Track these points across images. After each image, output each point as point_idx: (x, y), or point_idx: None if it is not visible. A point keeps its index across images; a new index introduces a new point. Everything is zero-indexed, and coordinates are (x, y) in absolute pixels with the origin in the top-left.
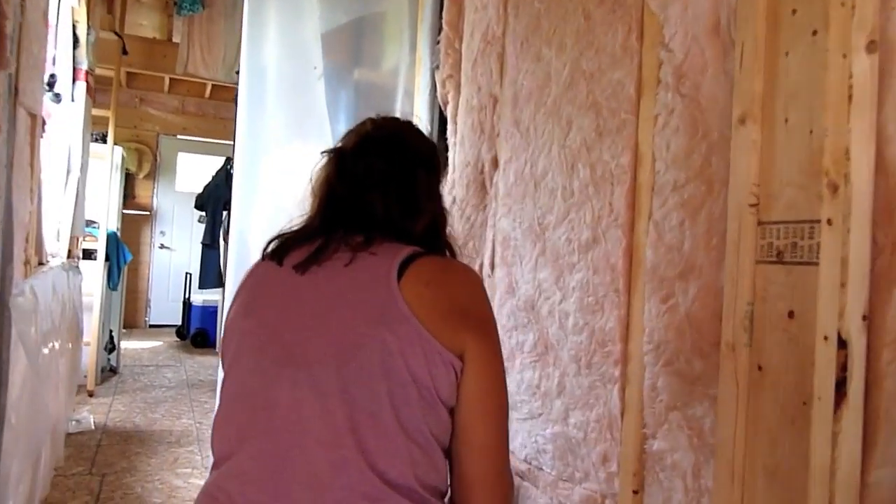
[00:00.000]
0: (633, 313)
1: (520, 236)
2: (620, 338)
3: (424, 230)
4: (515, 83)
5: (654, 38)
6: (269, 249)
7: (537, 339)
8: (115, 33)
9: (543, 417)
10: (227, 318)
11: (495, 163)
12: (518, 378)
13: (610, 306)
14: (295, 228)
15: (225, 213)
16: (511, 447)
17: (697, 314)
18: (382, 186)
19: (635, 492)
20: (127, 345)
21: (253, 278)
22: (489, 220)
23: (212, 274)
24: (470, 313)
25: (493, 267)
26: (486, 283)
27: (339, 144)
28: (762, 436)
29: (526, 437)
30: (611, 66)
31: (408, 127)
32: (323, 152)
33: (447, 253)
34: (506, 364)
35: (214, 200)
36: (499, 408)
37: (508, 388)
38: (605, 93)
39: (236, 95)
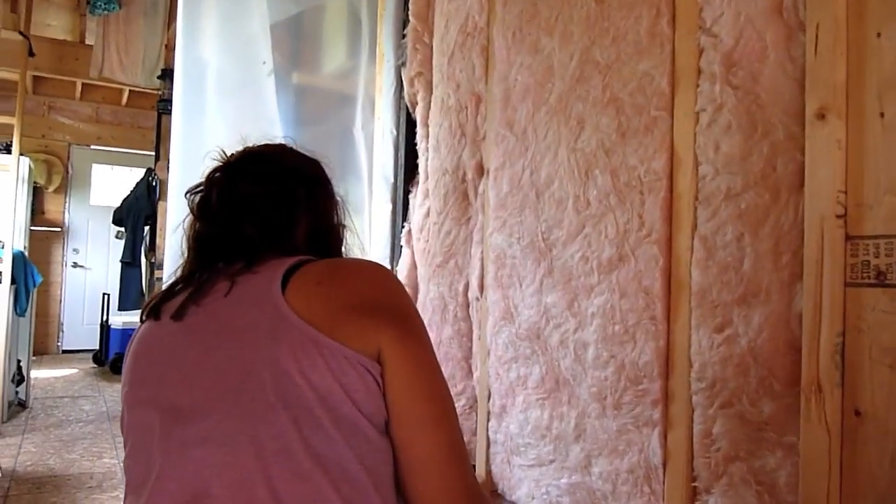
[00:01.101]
0: (676, 344)
1: (518, 254)
2: (660, 374)
3: (309, 240)
4: (507, 79)
5: (691, 21)
6: (146, 310)
7: (545, 374)
8: (21, 33)
9: (556, 465)
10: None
11: (480, 169)
12: (521, 418)
13: (644, 336)
14: (170, 281)
15: (147, 228)
16: (514, 497)
17: (765, 347)
18: (254, 211)
19: None
20: (38, 374)
21: (133, 345)
22: (475, 235)
23: (133, 294)
24: (379, 304)
25: (482, 289)
26: (475, 308)
27: (201, 182)
28: (866, 494)
29: (533, 487)
30: (634, 56)
31: (282, 148)
32: (186, 194)
33: None
34: (504, 401)
35: (135, 215)
36: (440, 409)
37: (509, 429)
38: (627, 87)
39: (157, 102)
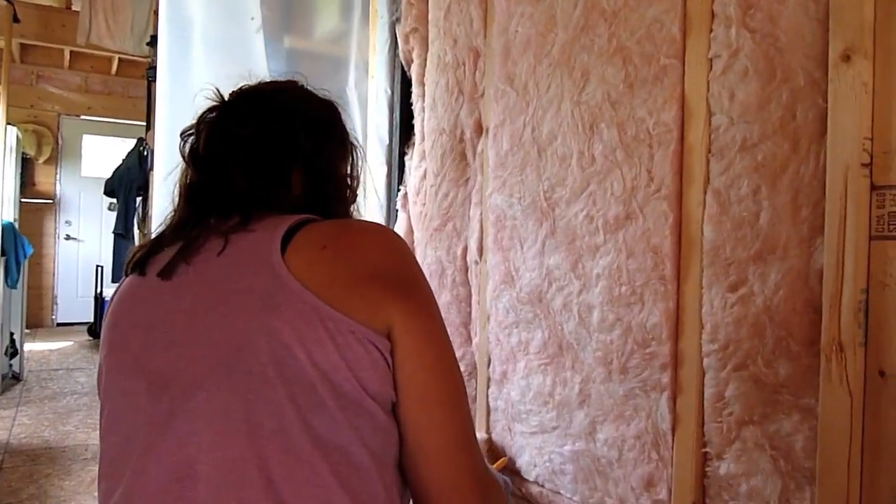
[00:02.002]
0: (687, 305)
1: (519, 214)
2: (669, 336)
3: (306, 196)
4: (506, 31)
5: None
6: (130, 263)
7: (547, 338)
8: None
9: (560, 432)
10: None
11: (479, 128)
12: (523, 384)
13: (652, 297)
14: (158, 231)
15: (139, 199)
16: (515, 465)
17: (782, 305)
18: (245, 159)
19: None
20: (32, 347)
21: (115, 303)
22: (473, 197)
23: None
24: (390, 275)
25: (481, 252)
26: (474, 272)
27: (193, 123)
28: (891, 459)
29: (535, 455)
30: (642, 2)
31: (289, 86)
32: (182, 133)
33: None
34: (505, 367)
35: (126, 185)
36: (453, 393)
37: (510, 396)
38: (635, 34)
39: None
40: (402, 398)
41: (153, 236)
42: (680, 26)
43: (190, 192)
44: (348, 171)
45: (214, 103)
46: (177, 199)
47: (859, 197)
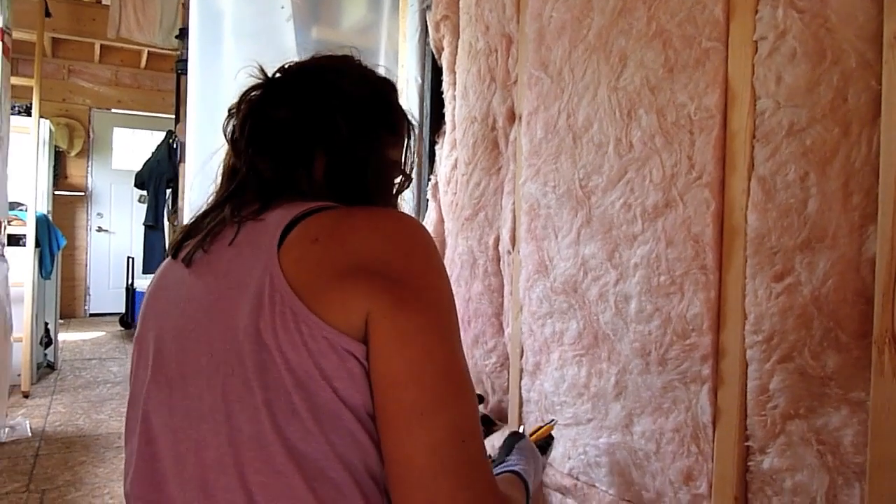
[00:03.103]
0: (729, 295)
1: (553, 203)
2: (710, 327)
3: (328, 180)
4: (540, 17)
5: None
6: (172, 245)
7: (583, 329)
8: None
9: (595, 424)
10: None
11: (512, 116)
12: (557, 375)
13: (693, 287)
14: (198, 213)
15: (168, 191)
16: (551, 457)
17: (830, 296)
18: (277, 141)
19: None
20: (65, 337)
21: (150, 286)
22: (506, 186)
23: (157, 257)
24: (372, 266)
25: (514, 242)
26: (507, 262)
27: (238, 98)
28: None
29: (570, 447)
30: None
31: (339, 62)
32: (229, 110)
33: None
34: (538, 358)
35: (157, 178)
36: (430, 404)
37: (543, 387)
38: (675, 17)
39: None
40: (375, 406)
41: (194, 218)
42: (723, 8)
43: (228, 175)
44: (400, 158)
45: (258, 81)
46: (219, 180)
47: None
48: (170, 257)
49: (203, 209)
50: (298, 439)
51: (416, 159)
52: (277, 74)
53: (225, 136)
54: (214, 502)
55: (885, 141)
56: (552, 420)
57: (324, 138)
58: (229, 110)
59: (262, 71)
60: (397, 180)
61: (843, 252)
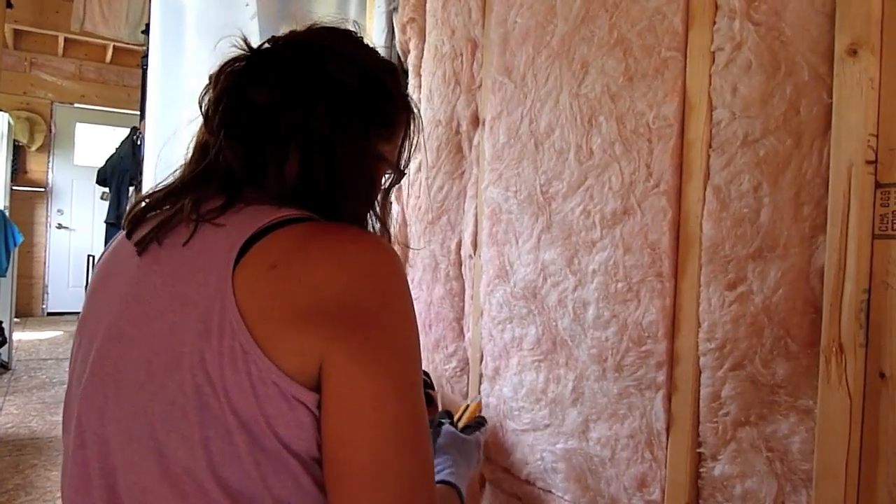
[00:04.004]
0: (684, 303)
1: (515, 208)
2: (665, 334)
3: (301, 179)
4: (505, 22)
5: None
6: (129, 214)
7: (541, 334)
8: None
9: (552, 430)
10: None
11: (476, 120)
12: (516, 381)
13: (649, 294)
14: (162, 185)
15: (131, 188)
16: (506, 463)
17: (781, 305)
18: (253, 131)
19: None
20: (21, 336)
21: (99, 263)
22: (469, 190)
23: None
24: (341, 313)
25: (475, 246)
26: (468, 266)
27: (218, 67)
28: (889, 462)
29: (527, 453)
30: None
31: (331, 41)
32: (209, 77)
33: (369, 227)
34: (497, 363)
35: (119, 175)
36: (387, 472)
37: (502, 392)
38: (636, 26)
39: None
40: (324, 460)
41: (156, 189)
42: (682, 18)
43: (198, 152)
44: (393, 152)
45: (242, 52)
46: (189, 153)
47: (863, 195)
48: (124, 236)
49: (167, 183)
50: (236, 480)
51: (414, 150)
52: (266, 45)
53: (200, 107)
54: None
55: (834, 153)
56: (476, 397)
57: (302, 131)
58: (209, 77)
59: (247, 42)
60: (386, 178)
61: (794, 262)
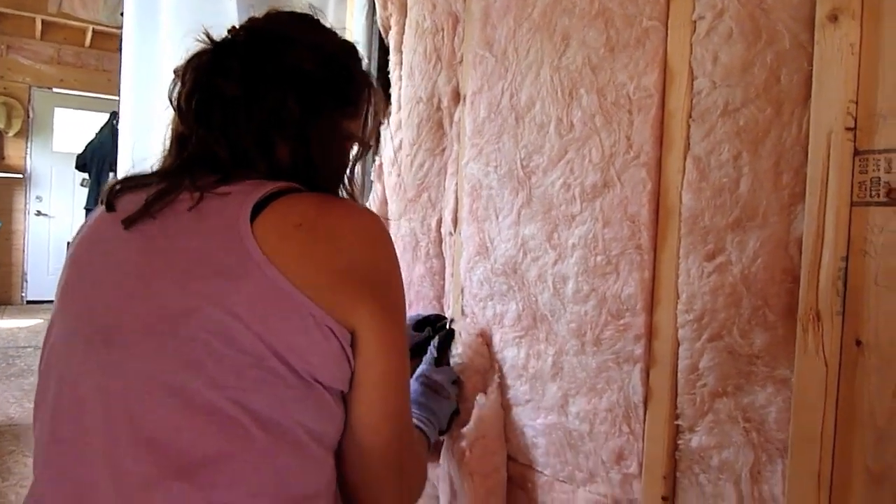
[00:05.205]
0: (663, 275)
1: (495, 184)
2: (644, 307)
3: (294, 163)
4: None
5: None
6: (107, 192)
7: (522, 310)
8: None
9: (533, 405)
10: None
11: (457, 96)
12: (498, 358)
13: (628, 267)
14: (146, 171)
15: (111, 174)
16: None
17: (759, 275)
18: (229, 120)
19: (664, 499)
20: (0, 324)
21: (78, 238)
22: (449, 167)
23: None
24: (366, 272)
25: (456, 223)
26: (448, 244)
27: (184, 63)
28: (865, 431)
29: (508, 429)
30: None
31: (293, 30)
32: (175, 72)
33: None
34: (480, 340)
35: (99, 161)
36: (406, 402)
37: (483, 369)
38: None
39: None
40: (357, 397)
41: (134, 173)
42: None
43: (176, 142)
44: (358, 128)
45: (205, 47)
46: (167, 145)
47: (842, 162)
48: (104, 211)
49: (150, 171)
50: (265, 406)
51: (380, 123)
52: (228, 36)
53: (170, 100)
54: (153, 468)
55: (814, 120)
56: (450, 320)
57: (277, 121)
58: (175, 72)
59: (209, 36)
60: (354, 152)
61: (773, 231)
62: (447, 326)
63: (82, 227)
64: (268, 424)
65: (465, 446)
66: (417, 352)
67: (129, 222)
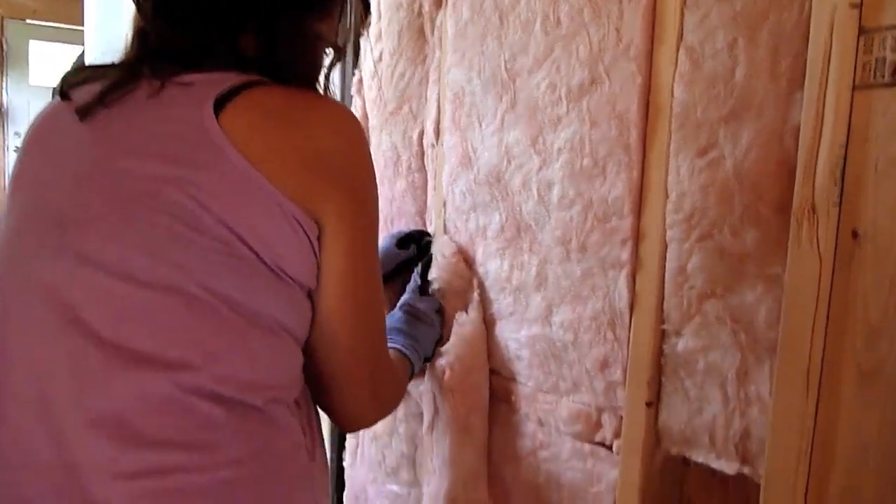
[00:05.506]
0: (652, 175)
1: (479, 89)
2: (631, 209)
3: (262, 58)
4: None
5: None
6: (62, 81)
7: (505, 221)
8: None
9: (516, 318)
10: None
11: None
12: (481, 271)
13: (615, 168)
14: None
15: None
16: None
17: (752, 168)
18: (188, 12)
19: (649, 404)
20: None
21: (33, 128)
22: (431, 75)
23: None
24: (337, 164)
25: (438, 134)
26: (430, 156)
27: None
28: (857, 327)
29: (491, 343)
30: None
31: None
32: None
33: None
34: (464, 254)
35: None
36: (377, 300)
37: (463, 289)
38: None
39: None
40: (324, 290)
41: (93, 65)
42: None
43: (136, 39)
44: (330, 31)
45: None
46: (128, 39)
47: (846, 40)
48: (59, 100)
49: (109, 62)
50: (236, 291)
51: (352, 29)
52: None
53: None
54: (117, 351)
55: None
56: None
57: (241, 10)
58: None
59: None
60: (327, 56)
61: (768, 121)
62: (430, 243)
63: (36, 118)
64: (239, 308)
65: (446, 364)
66: (401, 271)
67: (83, 112)
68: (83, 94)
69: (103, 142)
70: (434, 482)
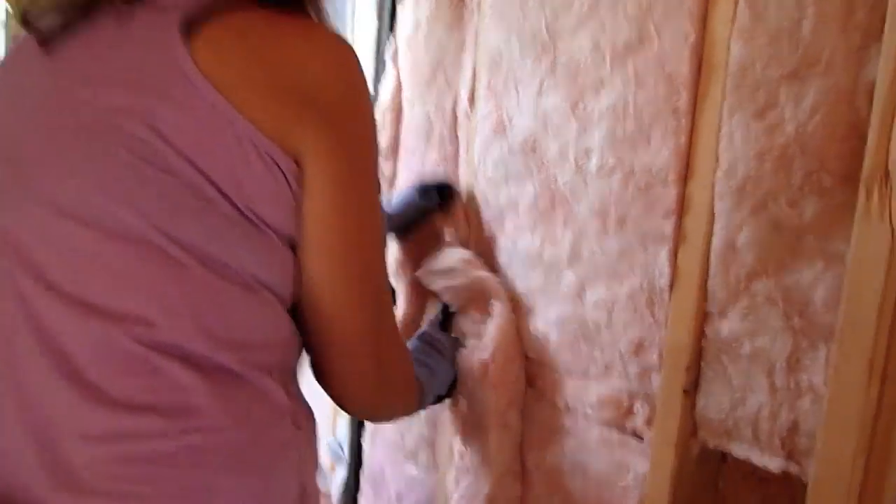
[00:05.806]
0: (702, 140)
1: (517, 53)
2: (677, 178)
3: None
4: None
5: None
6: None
7: (539, 192)
8: None
9: (546, 296)
10: None
11: None
12: (509, 247)
13: (661, 134)
14: None
15: None
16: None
17: (817, 132)
18: None
19: (686, 391)
20: None
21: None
22: (468, 40)
23: None
24: (320, 92)
25: (472, 102)
26: (463, 125)
27: None
28: None
29: (520, 324)
30: None
31: None
32: None
33: None
34: (491, 229)
35: None
36: (372, 259)
37: (498, 261)
38: None
39: None
40: (301, 240)
41: None
42: None
43: None
44: None
45: None
46: None
47: None
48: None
49: None
50: (203, 240)
51: None
52: None
53: None
54: (78, 308)
55: None
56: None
57: None
58: None
59: None
60: None
61: (837, 79)
62: (449, 191)
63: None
64: (206, 259)
65: (488, 357)
66: (421, 220)
67: (45, 41)
68: (47, 21)
69: (64, 71)
70: (468, 481)
